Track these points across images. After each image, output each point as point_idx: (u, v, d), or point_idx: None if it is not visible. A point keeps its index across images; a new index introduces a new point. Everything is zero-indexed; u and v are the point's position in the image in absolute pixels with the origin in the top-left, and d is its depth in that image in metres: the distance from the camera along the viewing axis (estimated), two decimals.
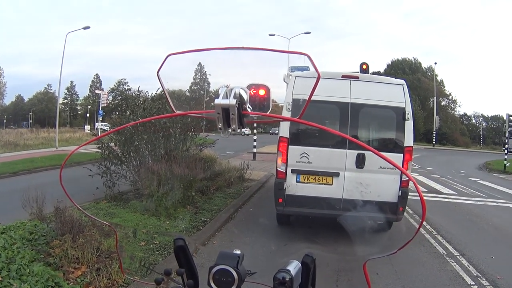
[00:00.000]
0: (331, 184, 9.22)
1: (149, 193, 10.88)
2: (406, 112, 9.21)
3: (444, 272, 7.91)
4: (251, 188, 15.64)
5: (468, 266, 8.21)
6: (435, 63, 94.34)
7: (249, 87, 1.63)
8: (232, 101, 1.36)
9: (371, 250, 7.63)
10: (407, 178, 7.92)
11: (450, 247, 9.41)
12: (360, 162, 9.06)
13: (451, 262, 8.43)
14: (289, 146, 9.26)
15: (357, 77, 9.59)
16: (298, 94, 9.03)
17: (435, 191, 17.87)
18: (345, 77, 9.45)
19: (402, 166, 8.84)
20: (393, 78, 10.19)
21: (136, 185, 12.41)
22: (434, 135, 64.50)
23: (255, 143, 27.61)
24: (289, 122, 9.35)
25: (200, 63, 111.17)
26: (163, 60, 1.48)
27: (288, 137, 9.26)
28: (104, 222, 3.12)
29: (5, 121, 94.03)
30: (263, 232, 10.01)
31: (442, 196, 16.82)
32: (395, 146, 9.28)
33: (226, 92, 1.39)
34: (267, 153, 30.75)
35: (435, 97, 69.03)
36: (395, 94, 9.36)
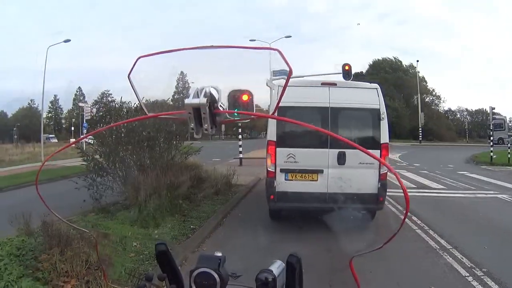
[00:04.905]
0: (316, 181, 10.25)
1: (136, 204, 10.83)
2: (381, 113, 10.22)
3: (438, 265, 7.92)
4: (239, 193, 15.68)
5: (462, 258, 8.23)
6: (417, 61, 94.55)
7: (232, 93, 1.59)
8: (203, 100, 1.35)
9: (357, 247, 7.61)
10: (386, 171, 10.02)
11: (442, 241, 9.43)
12: (341, 159, 10.07)
13: (444, 256, 8.44)
14: (277, 148, 10.27)
15: (335, 84, 10.69)
16: (283, 101, 8.81)
17: (424, 186, 17.93)
18: (324, 84, 10.54)
19: None
20: (368, 83, 11.15)
21: (123, 196, 12.31)
22: (420, 131, 64.70)
23: (240, 149, 27.49)
24: (276, 127, 10.23)
25: (182, 72, 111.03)
26: (133, 63, 1.46)
27: (275, 140, 10.26)
28: (84, 230, 3.03)
29: None
30: (252, 236, 10.02)
31: (432, 191, 16.87)
32: (372, 143, 10.06)
33: (197, 92, 1.38)
34: (254, 158, 30.62)
35: (418, 94, 69.31)
36: (370, 97, 10.33)
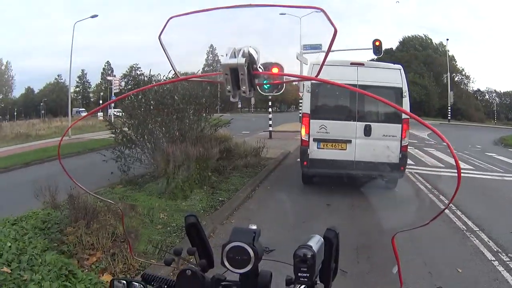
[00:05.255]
0: (345, 149, 11.55)
1: (164, 176, 10.90)
2: (403, 91, 11.34)
3: (464, 247, 7.81)
4: (268, 166, 15.73)
5: (488, 241, 8.06)
6: (447, 39, 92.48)
7: (262, 66, 1.52)
8: (241, 60, 1.25)
9: (398, 224, 7.56)
10: (406, 144, 11.39)
11: (469, 222, 9.27)
12: (367, 131, 11.42)
13: (471, 237, 8.30)
14: (310, 120, 11.57)
15: (362, 64, 11.85)
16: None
17: (452, 166, 17.37)
18: (353, 64, 11.65)
19: (401, 134, 11.30)
20: (392, 64, 12.50)
21: (151, 168, 12.38)
22: (449, 110, 63.81)
23: (270, 122, 27.24)
24: (309, 101, 11.56)
25: (211, 45, 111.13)
26: (165, 24, 1.41)
27: (309, 113, 11.59)
28: (110, 201, 3.00)
29: (15, 113, 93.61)
30: (281, 210, 10.21)
31: (461, 171, 16.40)
32: (395, 118, 11.34)
33: (234, 52, 1.29)
34: (284, 131, 30.51)
35: (448, 73, 68.32)
36: (394, 77, 11.48)
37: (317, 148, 11.67)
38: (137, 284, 1.82)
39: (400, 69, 11.68)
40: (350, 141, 11.53)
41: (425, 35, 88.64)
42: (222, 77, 1.29)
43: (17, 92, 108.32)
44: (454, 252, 7.55)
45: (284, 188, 12.71)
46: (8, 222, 7.04)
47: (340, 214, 9.95)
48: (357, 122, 11.50)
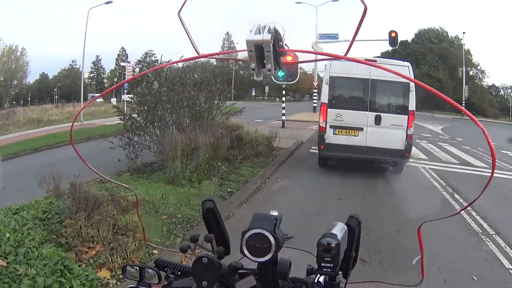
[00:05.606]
0: (358, 136, 12.99)
1: (172, 165, 10.80)
2: (410, 86, 12.69)
3: (480, 252, 7.47)
4: (280, 157, 15.70)
5: (505, 247, 7.69)
6: (463, 33, 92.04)
7: None
8: (267, 36, 1.19)
9: (423, 214, 7.33)
10: (412, 132, 12.72)
11: (485, 225, 8.92)
12: (377, 120, 12.79)
13: (486, 241, 7.95)
14: (328, 109, 13.02)
15: (375, 61, 12.97)
16: (334, 72, 12.88)
17: (467, 163, 17.39)
18: (366, 60, 11.59)
19: (408, 125, 12.64)
20: (401, 61, 14.32)
21: (160, 157, 12.35)
22: (463, 105, 63.19)
23: (284, 111, 27.04)
24: (327, 92, 13.03)
25: (227, 32, 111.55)
26: (184, 0, 1.41)
27: (327, 102, 13.03)
28: (122, 184, 2.85)
29: (29, 99, 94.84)
30: (292, 203, 10.04)
31: (475, 169, 16.17)
32: (402, 109, 12.78)
33: (259, 28, 1.22)
34: (297, 120, 30.46)
35: (464, 67, 67.83)
36: (402, 73, 11.03)
37: (333, 134, 13.08)
38: (150, 270, 1.88)
39: (408, 66, 13.08)
40: (362, 129, 12.94)
41: (441, 28, 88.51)
42: (246, 54, 1.24)
43: (32, 77, 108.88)
44: (469, 257, 7.24)
45: (295, 181, 12.82)
46: (10, 211, 6.96)
47: (353, 208, 9.75)
48: (369, 112, 12.89)
